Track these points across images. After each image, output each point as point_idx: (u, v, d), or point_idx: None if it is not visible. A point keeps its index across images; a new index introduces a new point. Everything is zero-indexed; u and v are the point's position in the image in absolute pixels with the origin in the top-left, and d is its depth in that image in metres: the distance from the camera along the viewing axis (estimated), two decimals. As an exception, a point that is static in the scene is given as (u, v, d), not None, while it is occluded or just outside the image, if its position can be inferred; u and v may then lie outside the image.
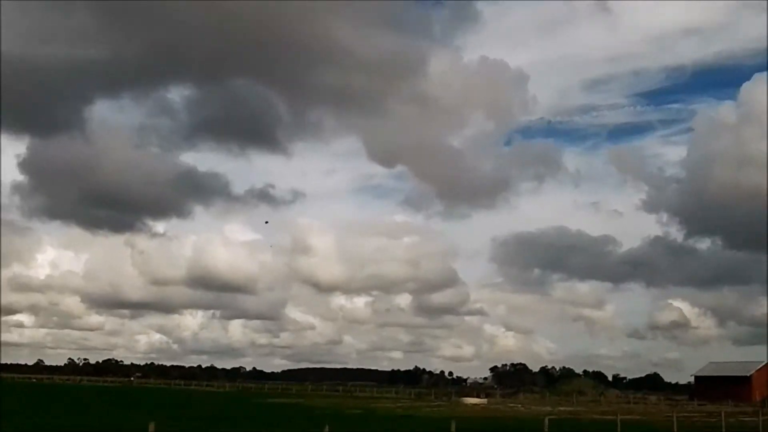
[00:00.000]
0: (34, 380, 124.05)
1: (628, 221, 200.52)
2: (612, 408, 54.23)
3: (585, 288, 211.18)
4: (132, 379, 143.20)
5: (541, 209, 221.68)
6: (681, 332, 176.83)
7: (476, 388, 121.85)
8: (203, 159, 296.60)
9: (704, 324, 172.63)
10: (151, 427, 12.61)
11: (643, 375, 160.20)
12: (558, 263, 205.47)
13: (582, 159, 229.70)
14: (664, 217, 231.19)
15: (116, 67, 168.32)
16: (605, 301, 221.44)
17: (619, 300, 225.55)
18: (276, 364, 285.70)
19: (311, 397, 75.49)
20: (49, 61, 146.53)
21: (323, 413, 44.57)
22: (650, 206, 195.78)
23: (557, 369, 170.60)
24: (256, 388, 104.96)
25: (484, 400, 70.43)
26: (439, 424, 36.71)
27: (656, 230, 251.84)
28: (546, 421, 17.87)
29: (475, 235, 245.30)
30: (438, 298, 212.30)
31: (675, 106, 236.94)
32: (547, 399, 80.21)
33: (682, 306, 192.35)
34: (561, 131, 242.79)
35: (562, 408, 60.10)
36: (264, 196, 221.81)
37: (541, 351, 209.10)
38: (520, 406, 63.92)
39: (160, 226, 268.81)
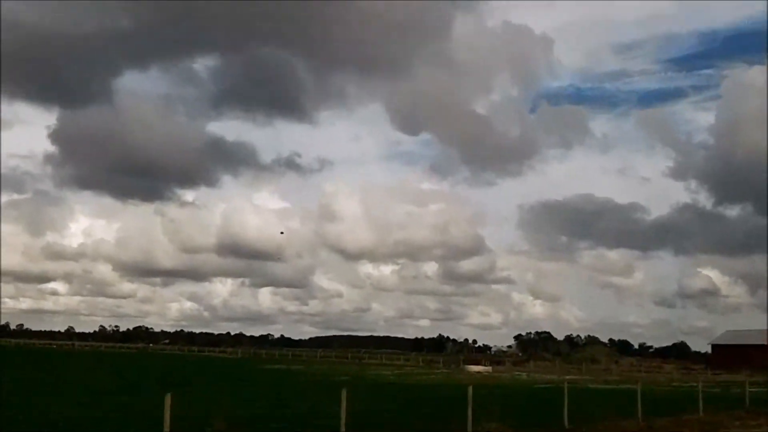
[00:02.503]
0: (54, 346, 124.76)
1: (657, 188, 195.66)
2: (615, 377, 51.39)
3: (613, 255, 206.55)
4: (150, 345, 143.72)
5: (569, 176, 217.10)
6: (711, 300, 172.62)
7: (499, 356, 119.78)
8: (230, 128, 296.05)
9: (734, 292, 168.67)
10: None
11: (670, 343, 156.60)
12: (586, 230, 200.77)
13: (610, 125, 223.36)
14: (693, 183, 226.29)
15: (143, 38, 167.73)
16: (634, 269, 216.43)
17: (648, 268, 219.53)
18: (304, 332, 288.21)
19: (316, 364, 74.12)
20: (77, 33, 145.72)
21: (303, 379, 43.12)
22: (679, 173, 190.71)
23: (582, 337, 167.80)
24: (267, 354, 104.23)
25: (488, 368, 68.08)
26: (419, 391, 34.75)
27: (685, 197, 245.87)
28: (470, 390, 15.18)
29: (502, 202, 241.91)
30: (465, 265, 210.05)
31: (707, 71, 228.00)
32: (556, 367, 77.51)
33: (711, 274, 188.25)
34: (590, 97, 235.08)
35: (568, 376, 57.52)
36: (291, 164, 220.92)
37: (569, 318, 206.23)
38: (524, 374, 61.34)
39: (189, 195, 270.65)
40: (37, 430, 14.69)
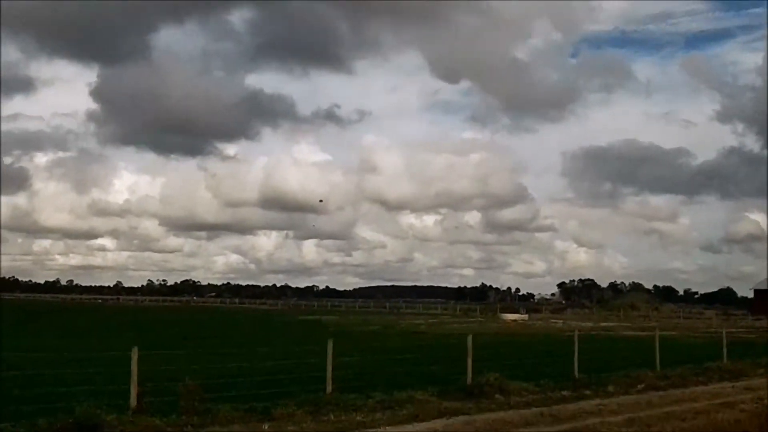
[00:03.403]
0: (99, 301, 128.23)
1: (703, 132, 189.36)
2: (653, 323, 50.27)
3: (658, 201, 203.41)
4: (194, 298, 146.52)
5: (612, 121, 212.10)
6: (757, 245, 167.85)
7: (542, 304, 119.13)
8: (268, 81, 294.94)
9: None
10: None
11: (716, 289, 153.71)
12: (630, 177, 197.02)
13: (654, 69, 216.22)
14: (740, 126, 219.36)
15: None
16: (678, 215, 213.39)
17: (693, 213, 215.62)
18: (349, 282, 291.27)
19: (352, 314, 74.42)
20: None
21: (332, 330, 43.06)
22: (725, 116, 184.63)
23: (626, 284, 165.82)
24: (307, 306, 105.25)
25: (524, 316, 67.44)
26: (445, 339, 34.26)
27: (732, 140, 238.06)
28: (469, 339, 14.59)
29: (544, 150, 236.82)
30: (507, 214, 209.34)
31: (755, 10, 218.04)
32: (594, 314, 76.47)
33: (758, 218, 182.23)
34: (634, 40, 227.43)
35: (603, 323, 56.71)
36: (330, 116, 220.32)
37: (614, 266, 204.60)
38: (560, 322, 60.53)
39: (230, 149, 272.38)
40: None
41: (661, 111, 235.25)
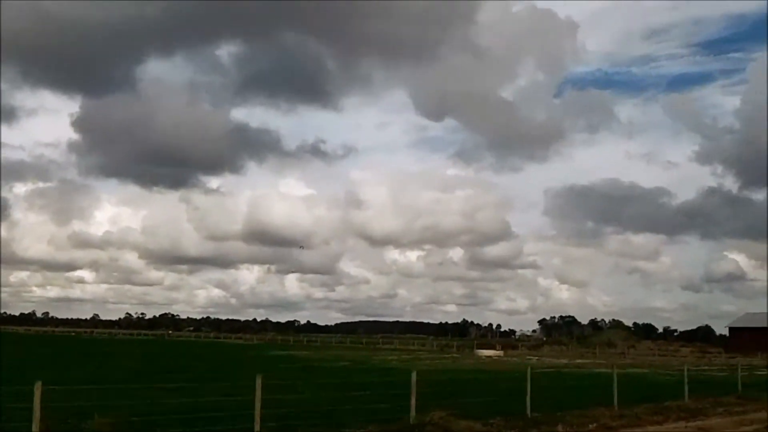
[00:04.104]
0: (72, 334, 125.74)
1: (683, 173, 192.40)
2: (629, 360, 49.77)
3: (639, 240, 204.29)
4: (169, 332, 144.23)
5: (595, 160, 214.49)
6: (737, 284, 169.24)
7: (522, 341, 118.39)
8: (254, 115, 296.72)
9: (761, 276, 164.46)
10: None
11: (695, 327, 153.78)
12: (612, 215, 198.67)
13: (637, 110, 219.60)
14: (719, 168, 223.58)
15: (167, 26, 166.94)
16: (660, 253, 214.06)
17: (675, 252, 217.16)
18: (332, 317, 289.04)
19: (328, 349, 73.24)
20: (100, 21, 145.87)
21: (299, 365, 42.24)
22: (705, 157, 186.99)
23: (606, 321, 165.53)
24: (283, 340, 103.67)
25: (499, 352, 66.68)
26: (403, 375, 33.31)
27: (711, 181, 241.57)
28: (413, 375, 14.03)
29: (529, 188, 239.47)
30: (491, 251, 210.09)
31: (735, 55, 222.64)
32: (570, 351, 75.79)
33: (738, 258, 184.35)
34: (617, 82, 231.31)
35: (579, 360, 56.09)
36: (316, 151, 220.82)
37: (596, 303, 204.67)
38: (535, 358, 59.80)
39: (214, 182, 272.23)
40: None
41: (642, 151, 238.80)
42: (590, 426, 15.24)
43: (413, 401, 14.72)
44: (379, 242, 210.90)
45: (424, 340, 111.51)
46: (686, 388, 20.80)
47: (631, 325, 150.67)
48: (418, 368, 41.00)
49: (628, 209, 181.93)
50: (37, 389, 10.17)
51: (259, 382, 12.57)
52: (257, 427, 12.36)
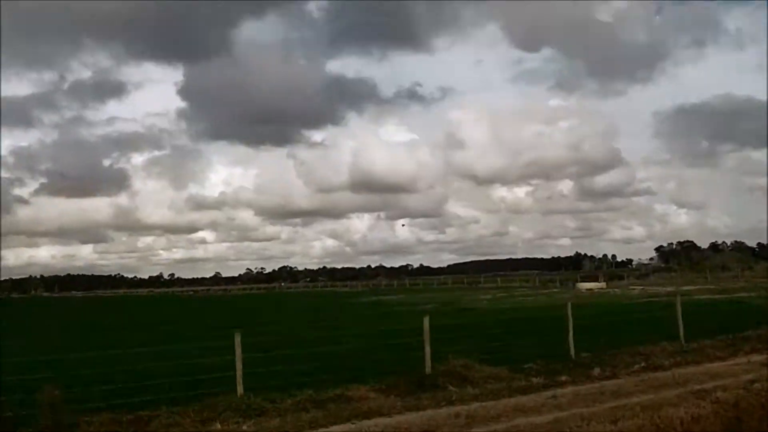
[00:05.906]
0: (191, 293, 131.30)
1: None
2: (742, 284, 46.00)
3: (760, 156, 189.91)
4: (281, 284, 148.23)
5: (704, 77, 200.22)
6: None
7: (641, 270, 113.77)
8: (349, 65, 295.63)
9: None
10: None
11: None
12: (728, 132, 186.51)
13: (745, 18, 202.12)
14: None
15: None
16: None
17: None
18: (443, 259, 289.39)
19: (428, 291, 72.56)
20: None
21: (384, 310, 41.67)
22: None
23: (728, 243, 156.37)
24: (386, 285, 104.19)
25: (602, 284, 63.63)
26: (481, 317, 31.92)
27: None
28: (425, 320, 12.56)
29: (635, 112, 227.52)
30: (602, 180, 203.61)
31: None
32: (680, 277, 71.50)
33: None
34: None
35: (685, 287, 52.46)
36: (413, 95, 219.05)
37: (717, 226, 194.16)
38: (639, 288, 56.64)
39: (317, 136, 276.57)
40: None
41: (756, 62, 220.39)
42: (635, 367, 13.29)
43: (427, 350, 13.25)
44: (484, 181, 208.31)
45: (530, 276, 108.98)
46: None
47: (755, 245, 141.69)
48: (498, 308, 39.64)
49: (744, 124, 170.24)
50: None
51: (237, 340, 11.46)
52: (240, 389, 11.31)
